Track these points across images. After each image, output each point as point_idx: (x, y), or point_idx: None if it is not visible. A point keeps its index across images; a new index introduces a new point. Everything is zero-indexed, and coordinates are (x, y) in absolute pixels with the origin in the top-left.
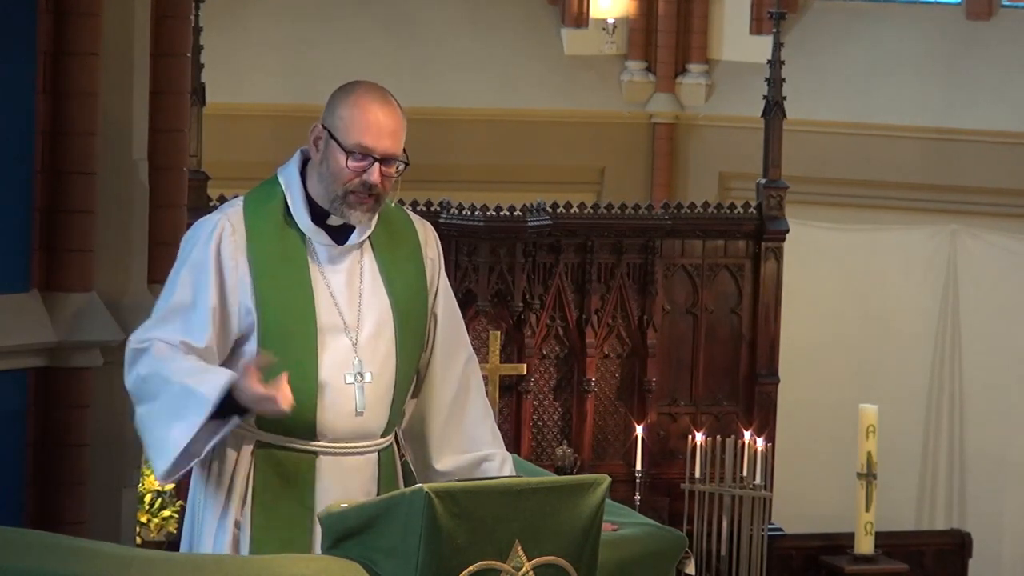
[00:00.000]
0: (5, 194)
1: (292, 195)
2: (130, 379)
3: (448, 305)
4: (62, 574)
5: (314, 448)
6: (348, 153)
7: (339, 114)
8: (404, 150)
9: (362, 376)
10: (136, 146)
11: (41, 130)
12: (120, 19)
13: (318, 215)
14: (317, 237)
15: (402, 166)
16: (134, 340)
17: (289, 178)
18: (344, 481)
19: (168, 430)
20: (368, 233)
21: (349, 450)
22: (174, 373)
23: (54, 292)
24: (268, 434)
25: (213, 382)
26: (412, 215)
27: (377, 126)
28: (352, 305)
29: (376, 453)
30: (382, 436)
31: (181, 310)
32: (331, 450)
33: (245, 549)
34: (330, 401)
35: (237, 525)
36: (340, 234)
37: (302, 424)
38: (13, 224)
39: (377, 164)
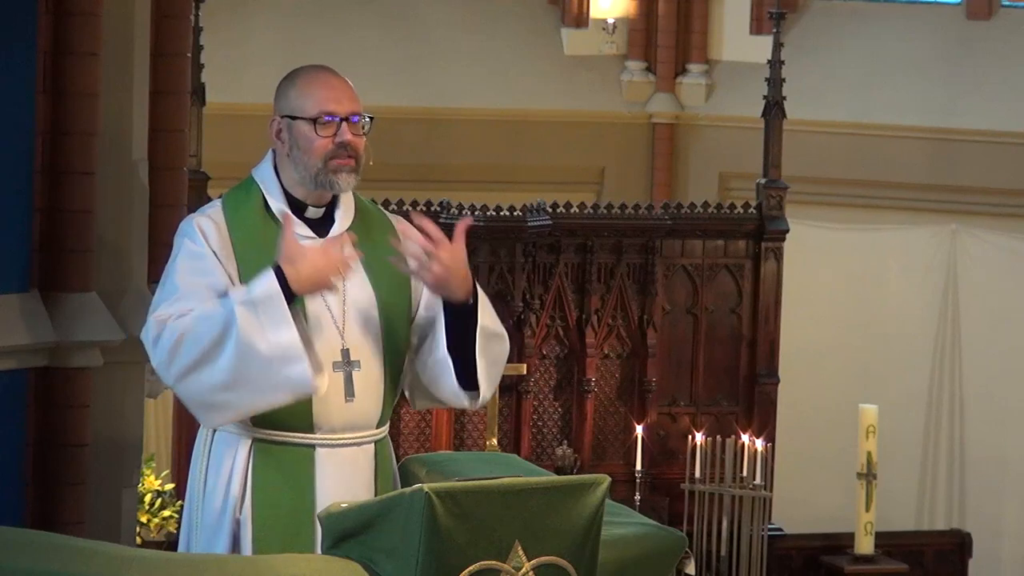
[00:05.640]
0: (5, 194)
1: (269, 190)
2: (160, 348)
3: None
4: (62, 574)
5: (311, 440)
6: (315, 121)
7: (291, 96)
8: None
9: (350, 363)
10: (136, 146)
11: (41, 130)
12: (120, 19)
13: (297, 208)
14: (298, 229)
15: (368, 121)
16: (155, 317)
17: (264, 175)
18: (343, 473)
19: (267, 340)
20: (348, 225)
21: (345, 441)
22: (212, 311)
23: (54, 292)
24: (265, 430)
25: (261, 279)
26: (384, 211)
27: (333, 90)
28: (337, 295)
29: (372, 444)
30: (377, 427)
31: (192, 290)
32: (328, 442)
33: (247, 547)
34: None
35: (237, 523)
36: (320, 227)
37: (298, 416)
38: (13, 224)
39: (344, 124)
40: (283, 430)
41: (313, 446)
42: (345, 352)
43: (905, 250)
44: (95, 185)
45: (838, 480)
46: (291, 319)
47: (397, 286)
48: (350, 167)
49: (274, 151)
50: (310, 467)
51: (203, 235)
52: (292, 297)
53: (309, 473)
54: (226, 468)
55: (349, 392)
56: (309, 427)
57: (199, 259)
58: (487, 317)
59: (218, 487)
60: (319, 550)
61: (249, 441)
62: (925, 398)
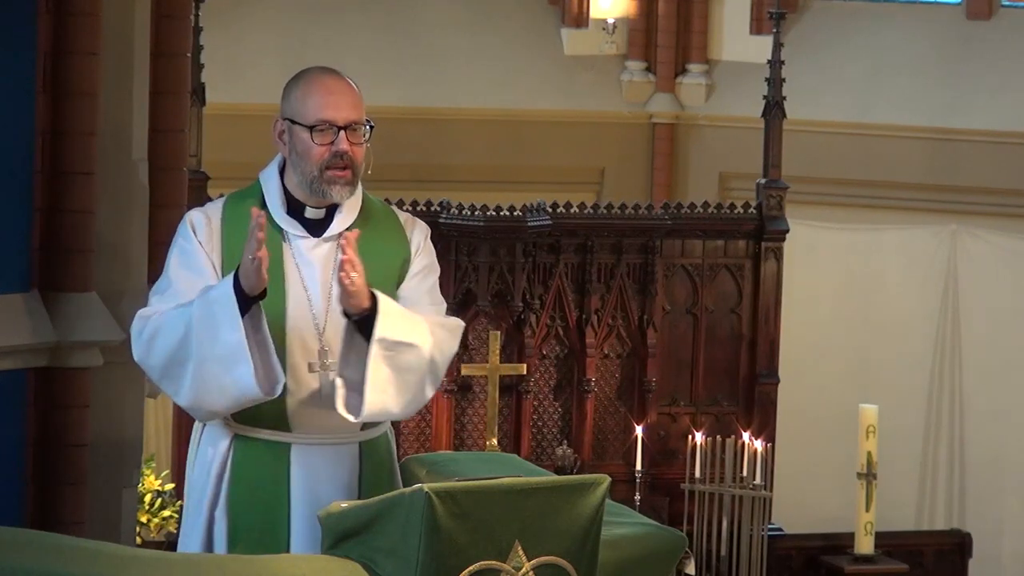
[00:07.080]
0: (5, 194)
1: (268, 190)
2: (140, 343)
3: (420, 287)
4: (62, 574)
5: (287, 439)
6: (311, 129)
7: (293, 99)
8: (370, 123)
9: (326, 364)
10: (136, 146)
11: (41, 130)
12: (120, 19)
13: (295, 209)
14: (291, 228)
15: (368, 130)
16: (139, 313)
17: (267, 176)
18: (319, 472)
19: (218, 340)
20: (347, 226)
21: (324, 440)
22: (183, 307)
23: (54, 292)
24: (244, 426)
25: (220, 282)
26: (399, 211)
27: (332, 97)
28: (323, 296)
29: (356, 445)
30: (362, 428)
31: (182, 288)
32: (304, 440)
33: (221, 542)
34: (294, 388)
35: (213, 517)
36: (318, 227)
37: (273, 413)
38: (13, 224)
39: (343, 133)
40: (261, 427)
41: (288, 444)
42: (323, 352)
43: (905, 250)
44: (95, 185)
45: (838, 480)
46: (239, 321)
47: (384, 287)
48: (345, 179)
49: (282, 154)
50: (286, 464)
51: (193, 230)
52: (251, 299)
53: (285, 470)
54: (206, 463)
55: (323, 392)
56: (285, 425)
57: (189, 255)
58: (390, 327)
59: (199, 481)
60: (294, 548)
61: (230, 437)
62: (925, 398)
